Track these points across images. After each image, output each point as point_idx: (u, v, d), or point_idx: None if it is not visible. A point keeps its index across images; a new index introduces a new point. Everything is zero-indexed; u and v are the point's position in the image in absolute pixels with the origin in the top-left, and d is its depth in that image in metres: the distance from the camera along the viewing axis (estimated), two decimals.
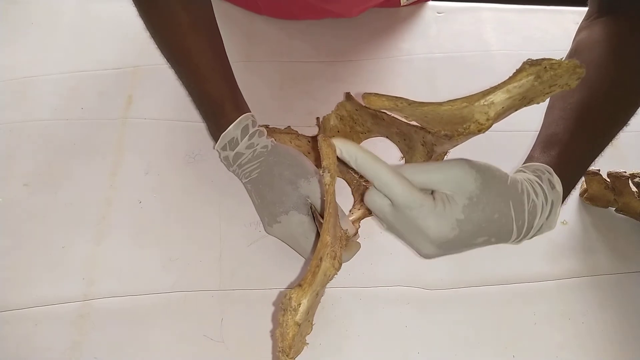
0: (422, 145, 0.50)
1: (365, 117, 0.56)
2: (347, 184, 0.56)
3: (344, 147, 0.36)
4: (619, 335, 0.48)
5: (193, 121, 0.59)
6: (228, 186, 0.55)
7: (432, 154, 0.49)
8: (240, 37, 0.69)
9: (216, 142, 0.50)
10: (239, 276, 0.50)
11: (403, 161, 0.55)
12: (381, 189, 0.35)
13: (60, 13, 0.70)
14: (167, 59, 0.51)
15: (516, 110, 0.41)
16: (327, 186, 0.39)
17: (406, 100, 0.39)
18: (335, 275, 0.40)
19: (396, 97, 0.40)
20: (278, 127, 0.57)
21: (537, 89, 0.38)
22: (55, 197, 0.54)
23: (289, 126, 0.57)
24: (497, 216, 0.35)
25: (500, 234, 0.37)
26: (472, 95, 0.37)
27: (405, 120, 0.44)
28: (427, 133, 0.49)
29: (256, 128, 0.50)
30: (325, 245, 0.38)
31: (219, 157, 0.51)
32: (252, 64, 0.66)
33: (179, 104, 0.61)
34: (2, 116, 0.59)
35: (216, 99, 0.49)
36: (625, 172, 0.53)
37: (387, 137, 0.56)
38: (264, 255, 0.51)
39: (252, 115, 0.50)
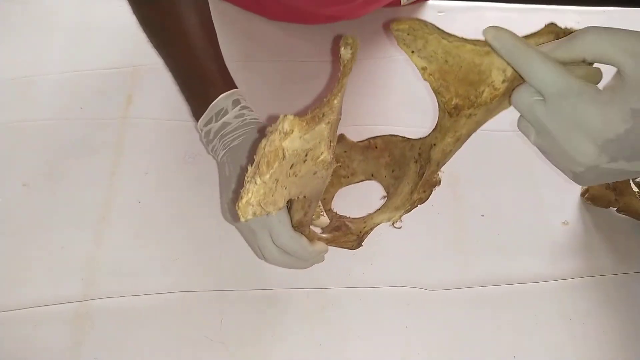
0: (415, 162, 0.47)
1: (354, 156, 0.53)
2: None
3: (498, 35, 0.31)
4: (620, 335, 0.47)
5: (193, 121, 0.59)
6: None
7: (425, 170, 0.46)
8: (240, 37, 0.68)
9: (198, 120, 0.49)
10: (239, 276, 0.50)
11: (383, 201, 0.52)
12: (531, 79, 0.30)
13: (60, 13, 0.70)
14: (156, 43, 0.51)
15: None
16: (345, 62, 0.37)
17: (434, 26, 0.37)
18: (324, 163, 0.37)
19: (425, 21, 0.38)
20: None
21: None
22: (54, 197, 0.53)
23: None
24: None
25: None
26: None
27: (421, 72, 0.40)
28: (420, 141, 0.46)
29: (247, 104, 0.49)
30: (331, 107, 0.35)
31: (200, 135, 0.50)
32: (252, 64, 0.66)
33: (179, 104, 0.60)
34: (1, 116, 0.59)
35: (208, 76, 0.49)
36: None
37: (372, 177, 0.53)
38: None
39: (242, 93, 0.50)
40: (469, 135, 0.42)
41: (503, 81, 0.36)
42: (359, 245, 0.49)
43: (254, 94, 0.54)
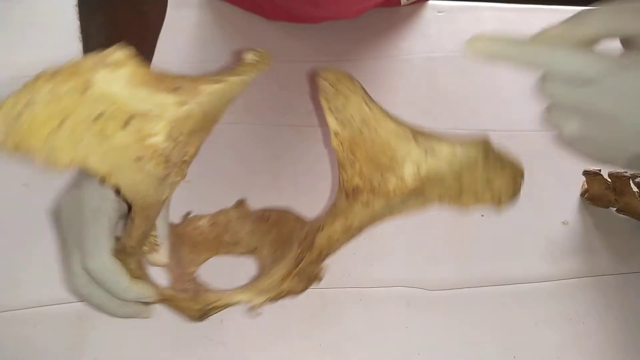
0: (299, 245, 0.41)
1: (245, 225, 0.47)
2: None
3: (496, 46, 0.29)
4: (620, 336, 0.47)
5: None
6: (227, 185, 0.55)
7: (304, 257, 0.40)
8: (240, 37, 0.69)
9: None
10: (239, 276, 0.49)
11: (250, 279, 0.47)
12: (565, 67, 0.28)
13: (60, 12, 0.70)
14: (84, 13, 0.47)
15: (441, 198, 0.35)
16: (246, 62, 0.32)
17: (362, 87, 0.34)
18: (152, 151, 0.29)
19: (353, 78, 0.34)
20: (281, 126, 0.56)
21: (476, 174, 0.33)
22: (54, 197, 0.53)
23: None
24: None
25: None
26: (418, 130, 0.33)
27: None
28: (314, 222, 0.42)
29: None
30: (196, 90, 0.28)
31: None
32: None
33: None
34: None
35: None
36: (626, 172, 0.53)
37: (253, 252, 0.48)
38: None
39: None
40: (360, 229, 0.37)
41: (414, 178, 0.32)
42: (200, 319, 0.40)
43: (254, 94, 0.54)
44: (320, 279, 0.40)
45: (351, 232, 0.37)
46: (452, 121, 0.62)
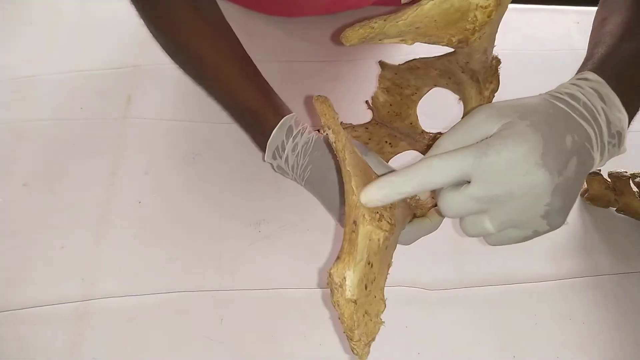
0: (462, 72, 0.45)
1: (407, 76, 0.52)
2: None
3: (380, 194, 0.31)
4: (619, 335, 0.48)
5: (193, 121, 0.59)
6: (228, 186, 0.55)
7: (478, 76, 0.44)
8: (240, 37, 0.68)
9: (264, 153, 0.47)
10: (239, 276, 0.50)
11: (461, 104, 0.49)
12: (448, 177, 0.30)
13: (59, 13, 0.70)
14: (193, 78, 0.50)
15: None
16: (334, 144, 0.34)
17: (380, 18, 0.35)
18: (391, 236, 0.35)
19: (369, 20, 0.36)
20: None
21: None
22: (54, 197, 0.53)
23: (341, 122, 0.55)
24: (552, 111, 0.32)
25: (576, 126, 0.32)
26: None
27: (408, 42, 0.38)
28: (453, 57, 0.45)
29: (299, 128, 0.46)
30: (353, 206, 0.32)
31: (272, 168, 0.48)
32: None
33: (179, 103, 0.61)
34: (1, 116, 0.59)
35: (253, 108, 0.47)
36: (626, 172, 0.53)
37: (435, 86, 0.52)
38: (264, 255, 0.51)
39: (294, 116, 0.47)
40: (492, 40, 0.40)
41: None
42: None
43: None
44: (500, 61, 0.44)
45: (489, 51, 0.41)
46: (452, 121, 0.62)
